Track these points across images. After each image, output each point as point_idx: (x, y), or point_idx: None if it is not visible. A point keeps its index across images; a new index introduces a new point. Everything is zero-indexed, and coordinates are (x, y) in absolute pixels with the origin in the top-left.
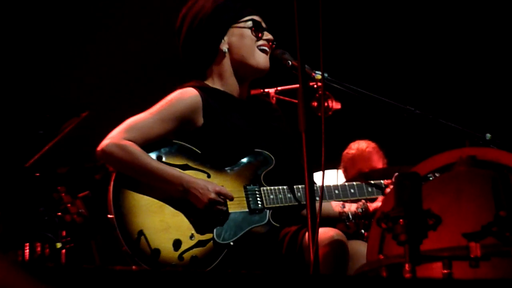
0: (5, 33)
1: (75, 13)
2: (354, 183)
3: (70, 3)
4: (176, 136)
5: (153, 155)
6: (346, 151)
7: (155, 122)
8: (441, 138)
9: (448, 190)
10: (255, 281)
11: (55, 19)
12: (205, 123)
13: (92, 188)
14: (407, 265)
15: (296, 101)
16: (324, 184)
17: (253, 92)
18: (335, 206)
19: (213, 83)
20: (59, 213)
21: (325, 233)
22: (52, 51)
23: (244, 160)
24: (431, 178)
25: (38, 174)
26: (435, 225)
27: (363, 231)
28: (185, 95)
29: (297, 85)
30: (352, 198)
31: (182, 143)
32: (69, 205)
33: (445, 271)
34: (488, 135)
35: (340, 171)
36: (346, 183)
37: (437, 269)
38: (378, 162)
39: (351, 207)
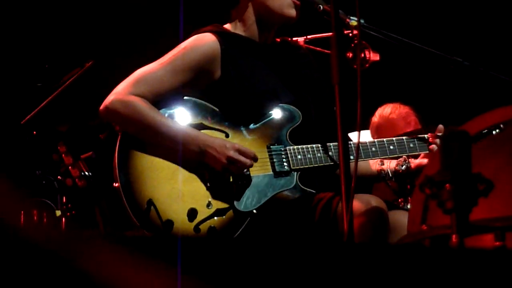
0: None
1: None
2: (394, 138)
3: None
4: (189, 92)
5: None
6: (372, 117)
7: (167, 73)
8: (493, 93)
9: (502, 151)
10: (281, 250)
11: None
12: (223, 75)
13: (96, 148)
14: (454, 236)
15: (328, 51)
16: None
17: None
18: (373, 163)
19: (235, 28)
20: (59, 177)
21: (363, 200)
22: None
23: (267, 116)
24: (485, 133)
25: (35, 132)
26: (487, 191)
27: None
28: (201, 42)
29: (330, 33)
30: (391, 156)
31: (196, 99)
32: (70, 167)
33: (498, 243)
34: None
35: None
36: (385, 139)
37: (488, 241)
38: (405, 130)
39: (390, 164)
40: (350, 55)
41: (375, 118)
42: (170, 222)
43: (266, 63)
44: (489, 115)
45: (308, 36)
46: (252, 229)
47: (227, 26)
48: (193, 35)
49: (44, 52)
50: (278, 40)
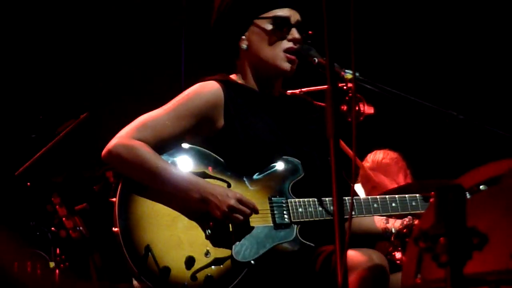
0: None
1: (73, 8)
2: (396, 196)
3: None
4: (192, 140)
5: None
6: (362, 163)
7: (170, 119)
8: (488, 147)
9: (496, 205)
10: None
11: (51, 14)
12: (226, 124)
13: (90, 200)
14: None
15: (323, 104)
16: (361, 197)
17: None
18: (378, 221)
19: (239, 78)
20: (53, 228)
21: (365, 254)
22: (47, 46)
23: (270, 168)
24: (478, 190)
25: (29, 184)
26: (481, 245)
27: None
28: (205, 89)
29: (325, 86)
30: (393, 214)
31: (199, 147)
32: (64, 218)
33: None
34: None
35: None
36: (387, 196)
37: None
38: (397, 175)
39: (395, 224)
40: (345, 108)
41: (367, 163)
42: (167, 269)
43: (271, 115)
44: (485, 168)
45: (303, 89)
46: (249, 280)
47: (233, 76)
48: (199, 82)
49: (38, 103)
50: (288, 93)
